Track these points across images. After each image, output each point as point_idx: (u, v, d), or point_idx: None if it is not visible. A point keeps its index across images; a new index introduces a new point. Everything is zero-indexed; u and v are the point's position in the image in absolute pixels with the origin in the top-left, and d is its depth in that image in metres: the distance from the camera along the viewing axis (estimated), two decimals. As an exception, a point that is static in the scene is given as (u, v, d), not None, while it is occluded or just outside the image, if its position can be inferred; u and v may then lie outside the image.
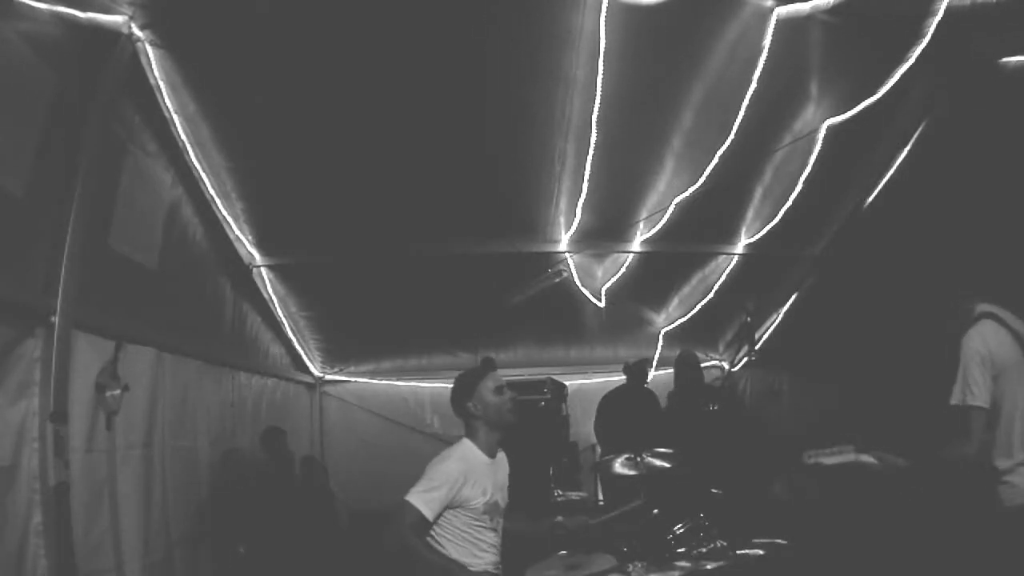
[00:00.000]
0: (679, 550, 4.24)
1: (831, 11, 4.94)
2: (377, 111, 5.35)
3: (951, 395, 3.66)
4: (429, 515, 3.71)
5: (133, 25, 4.41)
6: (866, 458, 3.84)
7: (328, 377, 9.42)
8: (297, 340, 8.52)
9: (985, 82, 5.35)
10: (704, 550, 4.13)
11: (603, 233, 7.30)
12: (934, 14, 4.88)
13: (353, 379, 9.47)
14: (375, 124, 5.44)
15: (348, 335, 8.75)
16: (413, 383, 9.50)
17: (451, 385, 4.18)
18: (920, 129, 5.98)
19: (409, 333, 8.63)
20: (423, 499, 3.71)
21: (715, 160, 6.19)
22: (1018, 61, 5.16)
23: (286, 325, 8.12)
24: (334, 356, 9.16)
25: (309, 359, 9.00)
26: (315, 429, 9.32)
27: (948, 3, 4.77)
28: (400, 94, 5.23)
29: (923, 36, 5.06)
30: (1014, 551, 3.45)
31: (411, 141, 5.67)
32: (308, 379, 9.22)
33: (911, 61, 5.27)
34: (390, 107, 5.35)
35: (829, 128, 6.11)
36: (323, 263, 7.22)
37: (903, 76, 5.41)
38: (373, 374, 9.47)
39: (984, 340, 3.69)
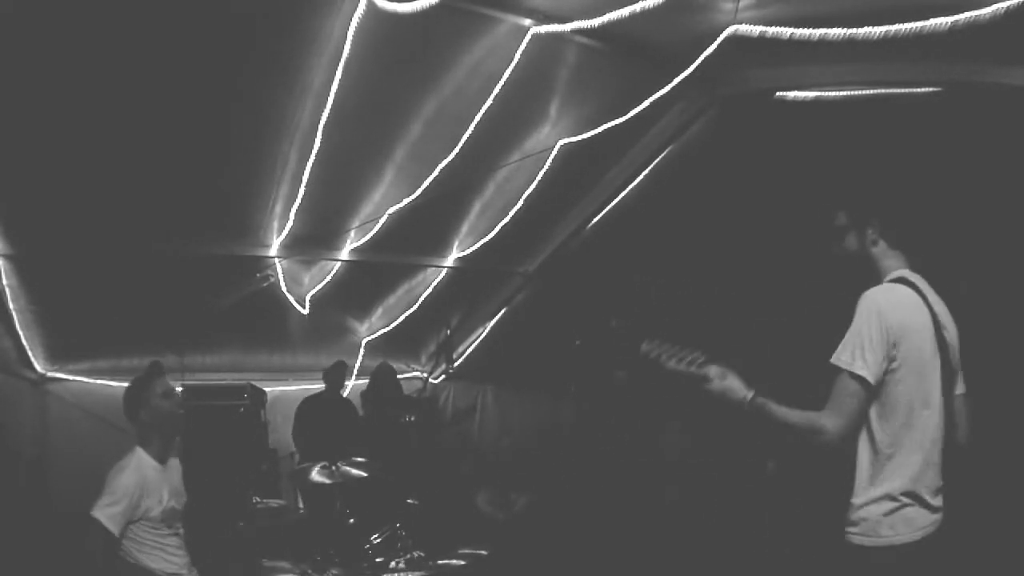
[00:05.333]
0: (377, 560, 4.34)
1: (592, 34, 4.84)
2: (110, 101, 4.90)
3: (834, 354, 2.77)
4: (115, 531, 3.71)
5: None
6: None
7: (50, 374, 8.57)
8: (24, 334, 7.65)
9: (759, 113, 5.71)
10: (401, 560, 4.26)
11: (314, 240, 7.17)
12: (707, 44, 4.87)
13: (73, 377, 8.69)
14: (106, 112, 4.98)
15: (70, 331, 7.95)
16: (125, 384, 8.88)
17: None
18: (664, 154, 6.32)
19: (122, 332, 8.01)
20: (106, 514, 3.71)
21: (436, 172, 6.15)
22: (795, 96, 5.52)
23: (16, 318, 7.27)
24: (56, 353, 8.31)
25: (33, 355, 8.13)
26: (37, 427, 8.48)
27: (726, 35, 4.76)
28: (135, 86, 4.78)
29: (689, 64, 5.10)
30: None
31: (143, 134, 5.12)
32: (32, 375, 8.36)
33: (667, 88, 5.36)
34: (123, 98, 4.90)
35: (562, 148, 6.18)
36: (50, 255, 6.53)
37: (654, 103, 5.52)
38: (90, 373, 8.73)
39: (896, 306, 2.79)
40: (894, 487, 2.71)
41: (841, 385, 2.69)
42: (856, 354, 2.70)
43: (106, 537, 3.66)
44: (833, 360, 2.74)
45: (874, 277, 2.94)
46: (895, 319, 2.73)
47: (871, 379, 2.68)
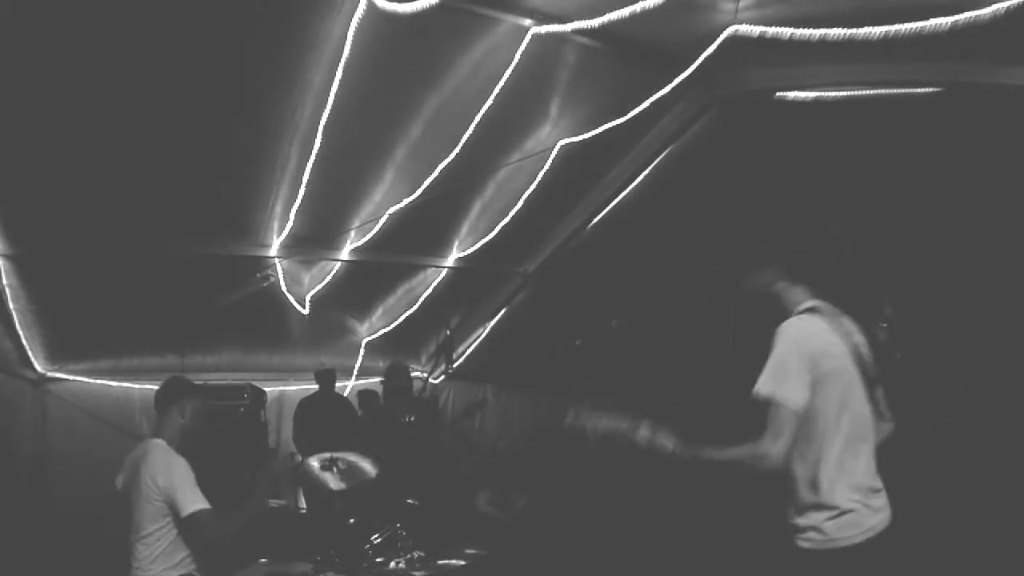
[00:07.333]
0: (377, 560, 4.33)
1: (592, 34, 4.85)
2: (110, 101, 4.89)
3: (756, 385, 2.91)
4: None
5: None
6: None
7: (50, 374, 8.57)
8: (24, 334, 7.66)
9: (759, 113, 5.72)
10: (401, 560, 4.25)
11: (314, 240, 7.17)
12: (707, 44, 4.90)
13: (73, 377, 8.70)
14: (106, 112, 4.97)
15: (70, 331, 7.96)
16: (125, 384, 8.91)
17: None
18: (664, 154, 6.34)
19: (122, 332, 8.02)
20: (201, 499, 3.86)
21: (436, 173, 6.15)
22: (795, 96, 5.52)
23: (16, 318, 7.28)
24: (56, 353, 8.32)
25: (33, 355, 8.13)
26: (37, 427, 8.51)
27: (726, 35, 4.79)
28: (136, 85, 4.70)
29: (689, 64, 5.12)
30: None
31: (143, 133, 5.17)
32: (32, 375, 8.36)
33: (667, 88, 5.38)
34: (123, 98, 4.89)
35: (562, 148, 6.20)
36: (50, 255, 6.53)
37: (654, 103, 5.54)
38: (90, 373, 8.74)
39: (811, 335, 2.99)
40: (834, 493, 2.87)
41: (772, 412, 2.84)
42: (780, 381, 2.87)
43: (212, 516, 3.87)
44: (756, 391, 2.90)
45: (782, 312, 3.12)
46: (811, 345, 2.94)
47: (799, 402, 2.85)
